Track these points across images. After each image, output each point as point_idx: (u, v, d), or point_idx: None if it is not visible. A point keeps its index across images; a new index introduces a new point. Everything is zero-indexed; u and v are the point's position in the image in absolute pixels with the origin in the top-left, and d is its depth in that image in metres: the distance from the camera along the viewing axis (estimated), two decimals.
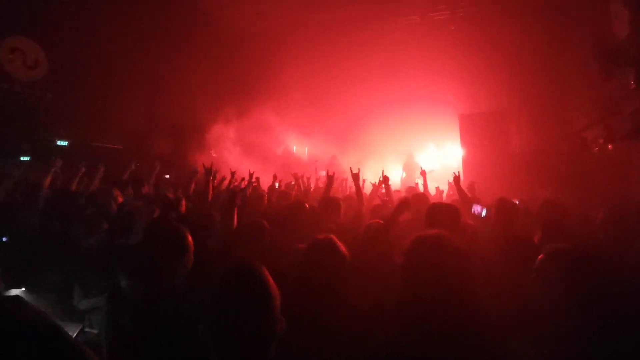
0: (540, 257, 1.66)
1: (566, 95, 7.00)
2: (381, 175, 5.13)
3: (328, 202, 4.06)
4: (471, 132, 8.14)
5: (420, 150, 11.39)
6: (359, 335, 1.83)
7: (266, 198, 5.63)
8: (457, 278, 1.51)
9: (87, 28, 8.24)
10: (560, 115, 7.06)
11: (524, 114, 8.45)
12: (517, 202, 4.57)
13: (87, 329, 2.60)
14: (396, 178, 9.51)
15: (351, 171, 4.67)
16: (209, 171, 4.66)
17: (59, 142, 8.07)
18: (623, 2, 5.31)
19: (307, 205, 4.07)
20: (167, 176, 8.33)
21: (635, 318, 1.46)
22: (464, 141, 8.27)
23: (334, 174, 5.16)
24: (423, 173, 5.50)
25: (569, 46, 6.89)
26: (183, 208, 4.19)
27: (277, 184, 7.10)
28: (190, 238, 2.07)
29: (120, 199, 4.25)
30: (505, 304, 1.88)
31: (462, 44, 9.57)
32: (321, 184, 7.22)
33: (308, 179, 7.13)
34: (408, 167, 10.02)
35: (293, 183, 7.05)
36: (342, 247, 2.08)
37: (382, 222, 3.11)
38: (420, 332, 1.46)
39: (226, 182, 6.47)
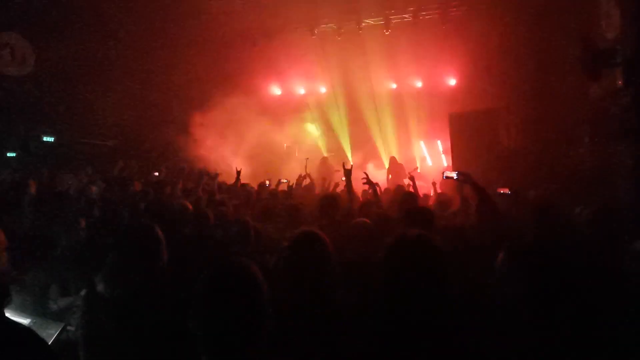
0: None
1: (554, 94, 7.07)
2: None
3: (324, 200, 4.10)
4: (461, 130, 8.18)
5: (410, 148, 11.48)
6: (345, 332, 1.83)
7: (255, 196, 5.63)
8: (438, 278, 1.53)
9: (76, 23, 8.13)
10: (548, 115, 7.13)
11: (513, 113, 8.52)
12: (509, 192, 4.61)
13: (69, 327, 2.56)
14: (382, 178, 9.56)
15: (344, 166, 4.62)
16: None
17: (45, 138, 7.95)
18: (614, 2, 5.37)
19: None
20: (157, 173, 8.26)
21: (608, 313, 1.48)
22: (454, 139, 8.32)
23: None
24: (412, 178, 5.52)
25: (558, 46, 6.95)
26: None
27: (267, 182, 7.10)
28: (159, 231, 2.07)
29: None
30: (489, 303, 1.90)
31: (452, 43, 9.62)
32: (307, 182, 7.27)
33: (300, 177, 7.19)
34: (393, 169, 10.13)
35: (285, 181, 7.08)
36: (325, 237, 2.06)
37: (368, 220, 3.13)
38: (403, 330, 1.46)
39: (219, 179, 6.49)
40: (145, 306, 1.82)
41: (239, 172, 5.80)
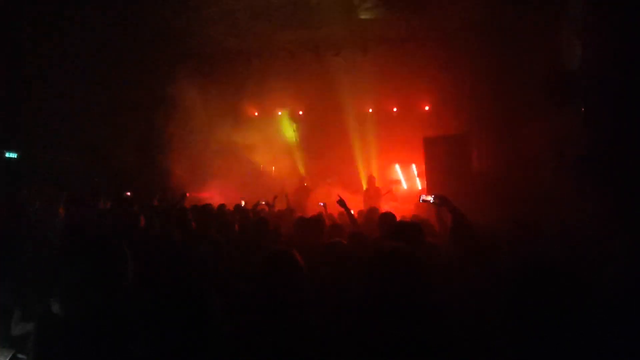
0: (513, 276, 1.64)
1: (521, 120, 7.39)
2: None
3: (305, 223, 4.10)
4: (435, 154, 8.38)
5: (385, 172, 11.64)
6: (318, 351, 1.79)
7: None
8: (419, 290, 1.55)
9: (46, 35, 7.88)
10: (515, 140, 7.43)
11: (484, 139, 8.82)
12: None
13: (19, 355, 2.37)
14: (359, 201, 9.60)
15: (339, 201, 4.86)
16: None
17: (7, 154, 7.57)
18: (575, 34, 5.72)
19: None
20: (128, 193, 8.00)
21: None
22: (428, 163, 8.50)
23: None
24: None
25: (524, 75, 7.32)
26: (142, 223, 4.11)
27: (243, 202, 7.03)
28: (126, 248, 1.96)
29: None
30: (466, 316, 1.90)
31: (426, 70, 9.97)
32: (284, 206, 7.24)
33: (274, 198, 7.17)
34: (368, 193, 10.23)
35: (264, 202, 7.07)
36: (297, 256, 2.03)
37: (344, 241, 3.12)
38: (384, 342, 1.45)
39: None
40: (103, 327, 1.70)
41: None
